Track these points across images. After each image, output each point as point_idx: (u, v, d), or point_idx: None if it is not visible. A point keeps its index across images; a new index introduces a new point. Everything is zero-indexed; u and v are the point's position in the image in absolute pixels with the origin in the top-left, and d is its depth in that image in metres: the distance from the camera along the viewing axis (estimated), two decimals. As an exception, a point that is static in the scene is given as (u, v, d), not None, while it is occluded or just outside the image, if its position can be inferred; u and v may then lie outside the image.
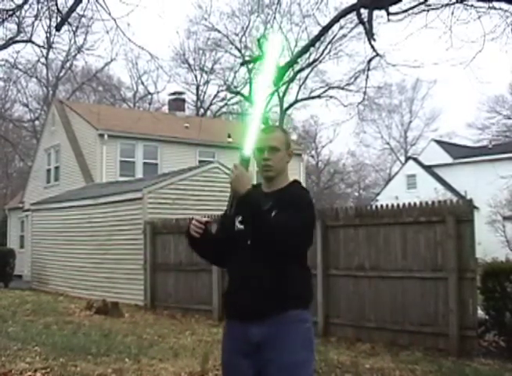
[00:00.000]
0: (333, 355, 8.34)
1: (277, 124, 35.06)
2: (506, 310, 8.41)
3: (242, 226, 3.16)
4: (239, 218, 3.17)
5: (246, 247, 3.12)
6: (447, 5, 8.72)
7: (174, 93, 32.98)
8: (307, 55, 34.56)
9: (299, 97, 44.64)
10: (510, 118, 49.76)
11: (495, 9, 9.11)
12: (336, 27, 29.18)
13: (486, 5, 9.04)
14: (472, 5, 8.95)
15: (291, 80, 40.12)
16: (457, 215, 8.59)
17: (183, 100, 33.13)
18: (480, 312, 8.71)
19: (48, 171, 27.11)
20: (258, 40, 9.96)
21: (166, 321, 12.07)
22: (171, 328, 10.90)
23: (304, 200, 3.17)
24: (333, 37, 35.73)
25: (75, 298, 15.96)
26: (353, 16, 9.26)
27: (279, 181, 3.26)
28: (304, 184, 29.06)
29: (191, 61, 46.00)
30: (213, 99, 47.64)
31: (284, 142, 3.26)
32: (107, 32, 9.97)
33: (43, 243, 19.65)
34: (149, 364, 7.45)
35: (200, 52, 44.88)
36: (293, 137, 49.40)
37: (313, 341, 3.19)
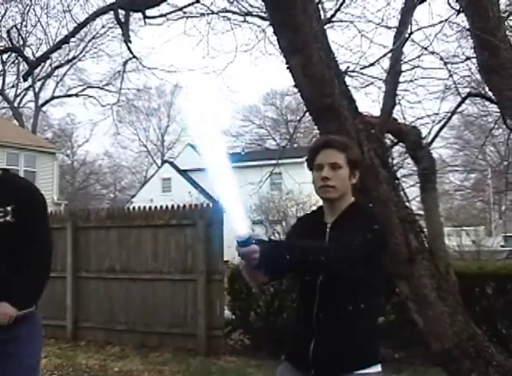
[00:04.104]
0: (82, 359, 8.21)
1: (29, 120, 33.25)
2: (251, 310, 8.88)
3: None
4: None
5: None
6: (202, 14, 8.96)
7: None
8: (66, 51, 33.57)
9: (56, 94, 43.13)
10: (262, 127, 52.90)
11: (248, 23, 9.55)
12: (98, 26, 28.70)
13: (241, 18, 9.45)
14: (225, 17, 9.30)
15: (48, 76, 38.77)
16: (207, 219, 8.86)
17: None
18: (227, 313, 9.07)
19: None
20: (8, 31, 9.40)
21: None
22: None
23: None
24: (93, 37, 35.08)
25: None
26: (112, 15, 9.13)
27: None
28: (57, 184, 27.96)
29: None
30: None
31: None
32: None
33: None
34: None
35: None
36: (48, 135, 47.55)
37: None
